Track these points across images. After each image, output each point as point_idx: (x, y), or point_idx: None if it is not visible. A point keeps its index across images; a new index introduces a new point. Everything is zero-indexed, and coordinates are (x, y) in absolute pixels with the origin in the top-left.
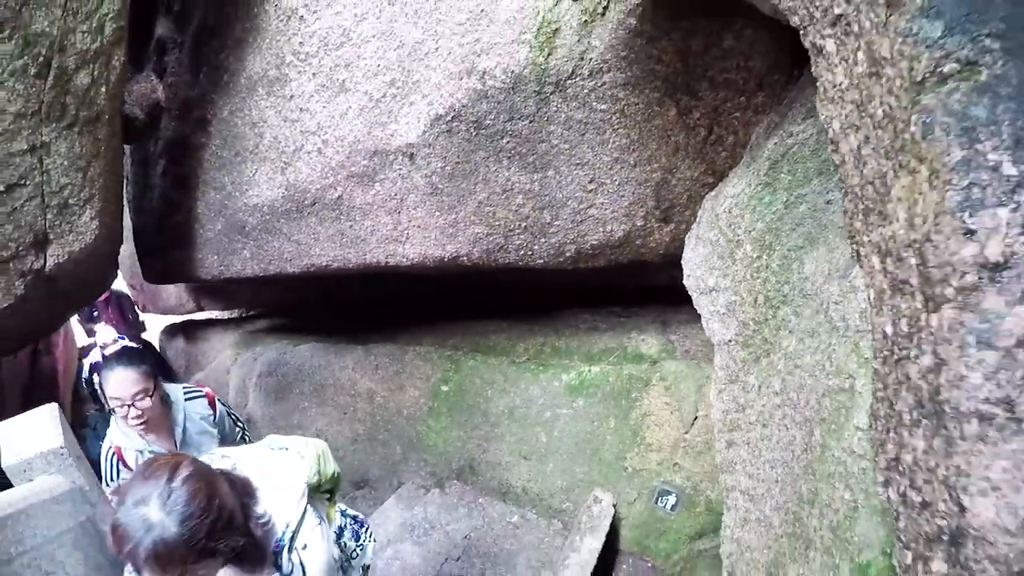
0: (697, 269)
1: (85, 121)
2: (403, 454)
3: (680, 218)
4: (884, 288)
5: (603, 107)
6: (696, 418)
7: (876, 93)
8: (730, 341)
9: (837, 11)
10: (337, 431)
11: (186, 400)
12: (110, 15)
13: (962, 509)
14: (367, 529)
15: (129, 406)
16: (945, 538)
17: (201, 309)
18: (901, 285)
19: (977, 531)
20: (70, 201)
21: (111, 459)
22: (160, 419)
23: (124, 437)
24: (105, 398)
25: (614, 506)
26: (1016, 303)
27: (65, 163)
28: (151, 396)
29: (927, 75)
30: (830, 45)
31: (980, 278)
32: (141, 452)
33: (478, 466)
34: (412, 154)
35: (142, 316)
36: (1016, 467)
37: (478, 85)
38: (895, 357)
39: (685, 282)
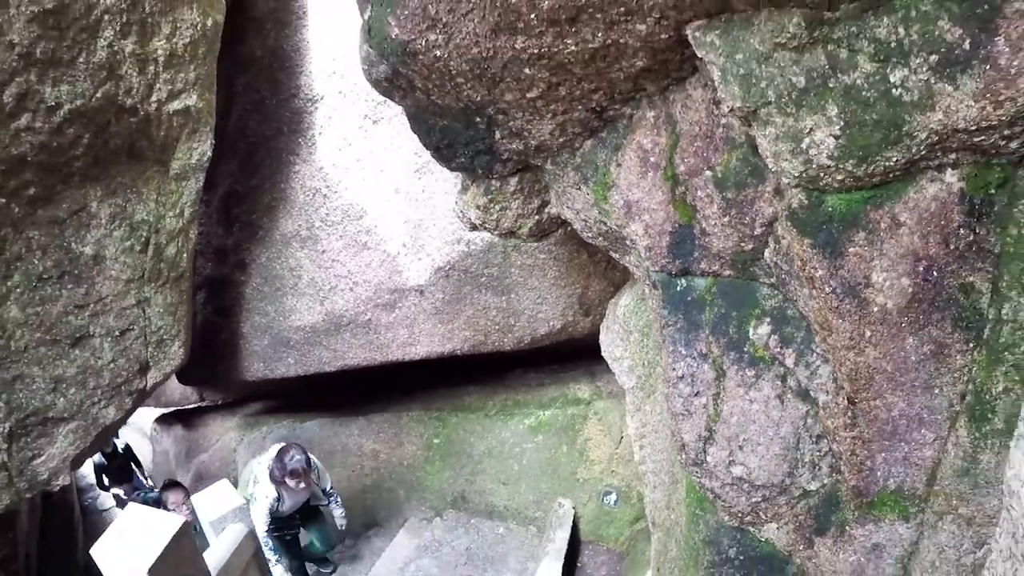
0: (608, 346)
1: (174, 279)
2: (406, 496)
3: (596, 313)
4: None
5: (543, 256)
6: (622, 437)
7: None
8: (633, 387)
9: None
10: (347, 485)
11: None
12: (188, 202)
13: (699, 455)
14: None
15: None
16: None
17: (203, 400)
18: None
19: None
20: (164, 338)
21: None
22: None
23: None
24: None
25: (573, 508)
26: None
27: (161, 310)
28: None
29: None
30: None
31: None
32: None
33: (468, 495)
34: (422, 290)
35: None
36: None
37: (465, 249)
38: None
39: (603, 353)
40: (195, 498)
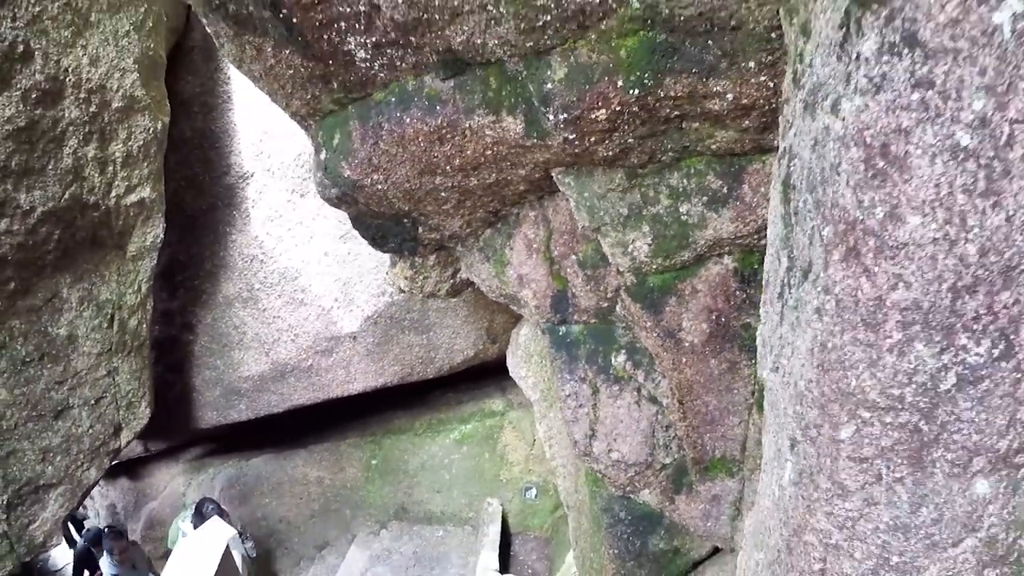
0: (515, 367)
1: (137, 347)
2: (352, 514)
3: (501, 340)
4: None
5: (454, 301)
6: (534, 440)
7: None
8: (538, 399)
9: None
10: (297, 512)
11: None
12: (144, 279)
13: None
14: None
15: None
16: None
17: (148, 451)
18: None
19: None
20: (132, 400)
21: None
22: None
23: None
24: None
25: (501, 506)
26: None
27: (128, 377)
28: None
29: None
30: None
31: None
32: None
33: (408, 506)
34: (355, 336)
35: None
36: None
37: (389, 299)
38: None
39: (511, 373)
40: (194, 535)
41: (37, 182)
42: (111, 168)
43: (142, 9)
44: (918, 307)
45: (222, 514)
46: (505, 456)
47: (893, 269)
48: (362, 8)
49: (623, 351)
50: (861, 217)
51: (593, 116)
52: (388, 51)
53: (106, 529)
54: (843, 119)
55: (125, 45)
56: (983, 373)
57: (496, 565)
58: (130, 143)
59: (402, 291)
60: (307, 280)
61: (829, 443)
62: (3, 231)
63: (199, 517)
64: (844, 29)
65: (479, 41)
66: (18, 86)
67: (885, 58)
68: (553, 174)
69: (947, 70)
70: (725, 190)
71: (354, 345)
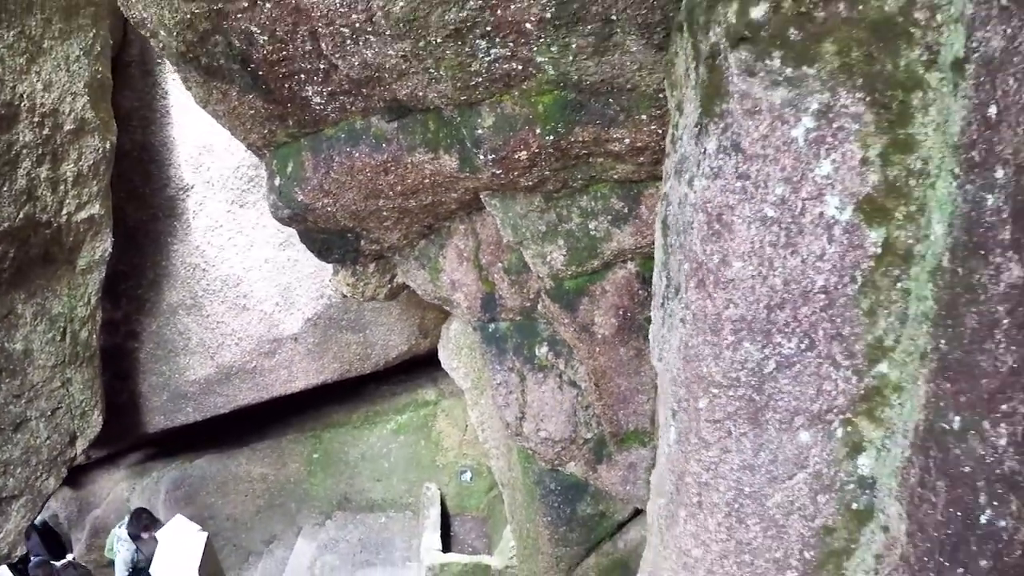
0: (447, 360)
1: (88, 358)
2: (297, 508)
3: (432, 334)
4: None
5: (389, 304)
6: (467, 426)
7: None
8: (469, 387)
9: None
10: (243, 509)
11: None
12: (93, 291)
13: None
14: None
15: None
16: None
17: (89, 459)
18: None
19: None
20: (86, 410)
21: None
22: None
23: None
24: None
25: (439, 489)
26: None
27: (81, 387)
28: None
29: None
30: None
31: None
32: None
33: (350, 496)
34: (296, 337)
35: None
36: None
37: (328, 301)
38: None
39: (443, 365)
40: (159, 534)
41: None
42: (62, 187)
43: (91, 34)
44: (744, 319)
45: (155, 523)
46: (440, 443)
47: (725, 295)
48: (321, 66)
49: (545, 343)
50: (705, 260)
51: (516, 156)
52: (341, 98)
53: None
54: (695, 192)
55: (76, 70)
56: (795, 360)
57: (439, 545)
58: (80, 163)
59: (344, 296)
60: (249, 286)
61: (694, 411)
62: None
63: (134, 526)
64: (699, 127)
65: (421, 94)
66: None
67: (721, 156)
68: (482, 196)
69: (759, 168)
70: (626, 210)
71: (295, 346)
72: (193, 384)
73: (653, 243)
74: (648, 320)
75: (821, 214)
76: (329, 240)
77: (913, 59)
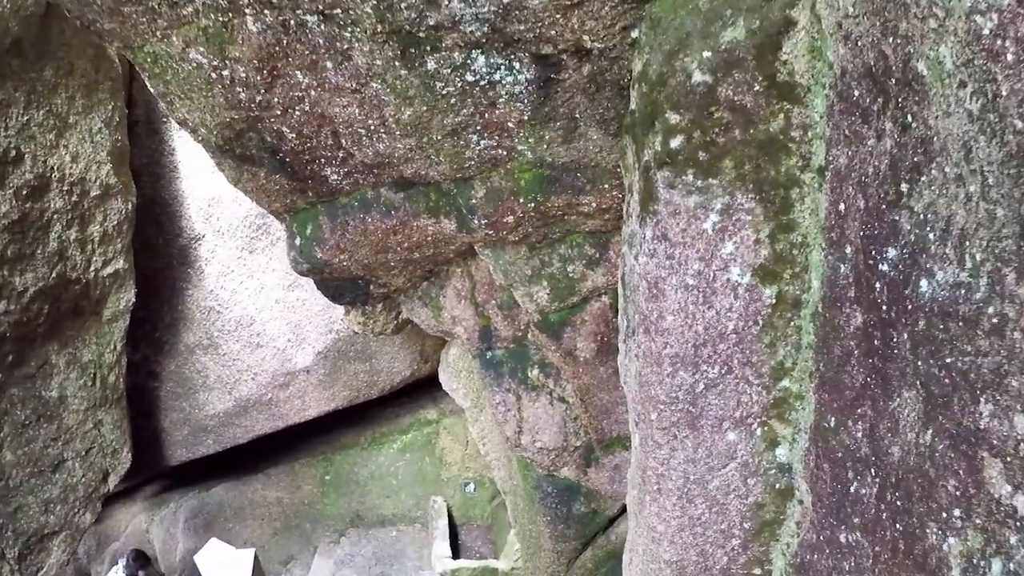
0: (447, 382)
1: (115, 400)
2: (312, 528)
3: (432, 359)
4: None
5: (392, 335)
6: (468, 441)
7: None
8: (469, 406)
9: None
10: (260, 533)
11: None
12: (119, 338)
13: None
14: None
15: None
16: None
17: (108, 493)
18: None
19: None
20: (116, 448)
21: None
22: None
23: None
24: None
25: (445, 502)
26: None
27: (111, 427)
28: None
29: None
30: None
31: None
32: None
33: (362, 513)
34: (308, 370)
35: None
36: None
37: (336, 336)
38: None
39: (443, 387)
40: (197, 558)
41: (28, 266)
42: (90, 247)
43: (110, 106)
44: (678, 355)
45: (149, 563)
46: (443, 458)
47: (663, 339)
48: (340, 154)
49: (536, 366)
50: (648, 314)
51: (504, 219)
52: (355, 176)
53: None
54: (640, 264)
55: (99, 140)
56: (718, 381)
57: (449, 552)
58: (106, 223)
59: (356, 332)
60: (262, 325)
61: (648, 422)
62: (2, 312)
63: (131, 567)
64: (640, 218)
65: (423, 172)
66: (11, 185)
67: (655, 241)
68: (476, 248)
69: (681, 251)
70: (597, 255)
71: (308, 377)
72: (212, 418)
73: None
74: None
75: (728, 279)
76: (342, 287)
77: (791, 165)
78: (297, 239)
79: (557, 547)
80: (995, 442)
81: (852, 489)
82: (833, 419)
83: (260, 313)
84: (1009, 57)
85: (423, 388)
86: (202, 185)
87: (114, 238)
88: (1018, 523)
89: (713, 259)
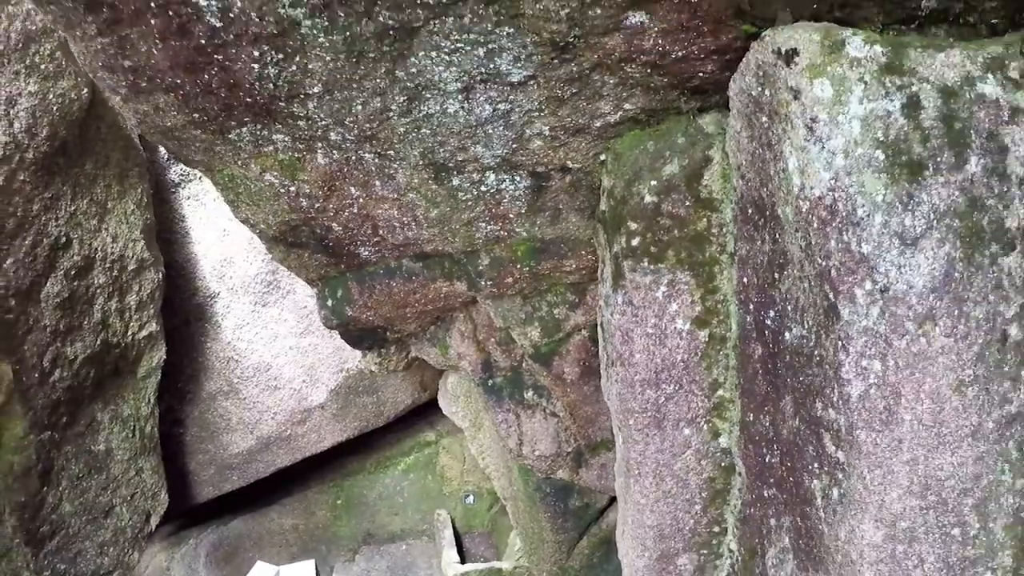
0: (447, 406)
1: (152, 448)
2: (327, 550)
3: (431, 387)
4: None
5: (396, 372)
6: (465, 458)
7: None
8: (468, 426)
9: None
10: (280, 559)
11: None
12: (152, 392)
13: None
14: None
15: None
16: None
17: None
18: None
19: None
20: (155, 491)
21: None
22: None
23: None
24: None
25: (449, 514)
26: None
27: (150, 472)
28: None
29: None
30: None
31: None
32: None
33: (373, 532)
34: (323, 406)
35: None
36: None
37: (346, 374)
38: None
39: (443, 410)
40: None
41: (77, 336)
42: (127, 314)
43: (139, 190)
44: (645, 379)
45: None
46: (444, 475)
47: (634, 369)
48: (375, 239)
49: (531, 389)
50: (622, 352)
51: (505, 280)
52: (384, 252)
53: None
54: (614, 320)
55: (133, 220)
56: (673, 394)
57: (457, 559)
58: (141, 292)
59: (373, 372)
60: (278, 370)
61: (627, 427)
62: (58, 379)
63: None
64: (612, 287)
65: (440, 248)
66: (62, 268)
67: (623, 305)
68: (479, 299)
69: (642, 312)
70: (577, 300)
71: (323, 412)
72: (237, 456)
73: (596, 320)
74: (598, 366)
75: (675, 327)
76: (363, 335)
77: (712, 251)
78: (329, 300)
79: (558, 538)
80: (825, 423)
81: (767, 460)
82: (751, 415)
83: (276, 359)
84: (815, 224)
85: (420, 414)
86: (213, 248)
87: (148, 305)
88: (842, 468)
89: (664, 315)
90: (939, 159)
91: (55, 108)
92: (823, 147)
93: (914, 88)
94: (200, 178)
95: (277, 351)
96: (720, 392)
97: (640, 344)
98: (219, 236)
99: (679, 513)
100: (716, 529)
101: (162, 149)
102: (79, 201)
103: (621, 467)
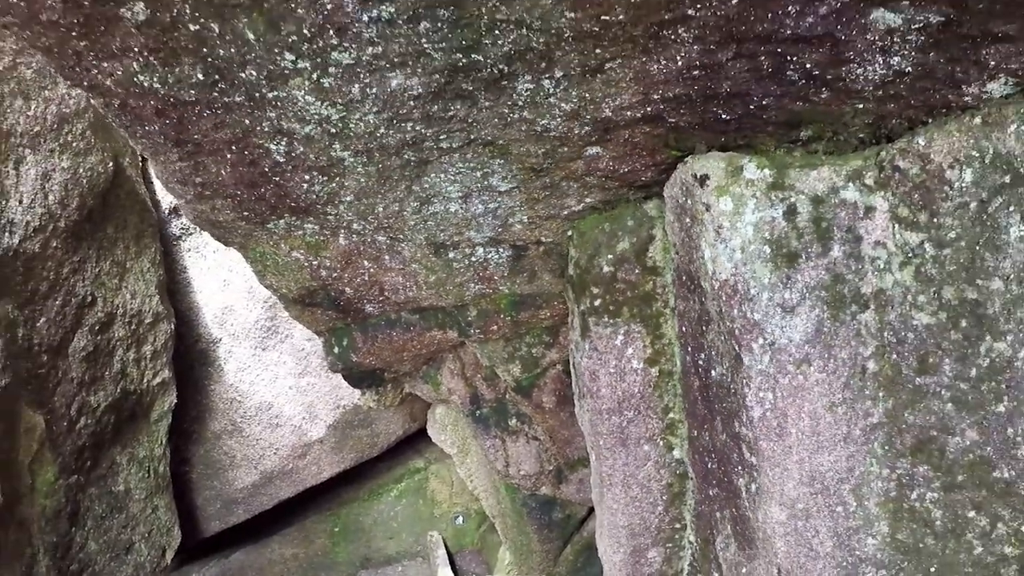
0: (436, 435)
1: (165, 486)
2: (327, 575)
3: (420, 418)
4: None
5: (391, 407)
6: (454, 482)
7: None
8: (456, 452)
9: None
10: None
11: None
12: (163, 434)
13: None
14: None
15: None
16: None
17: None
18: None
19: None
20: (169, 527)
21: None
22: None
23: None
24: None
25: (440, 534)
26: None
27: (164, 509)
28: None
29: None
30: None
31: None
32: None
33: (370, 556)
34: (322, 440)
35: None
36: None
37: (343, 410)
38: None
39: (432, 439)
40: None
41: (100, 386)
42: (143, 363)
43: (152, 248)
44: (609, 408)
45: None
46: (434, 498)
47: (601, 400)
48: (380, 298)
49: (514, 416)
50: (590, 387)
51: (491, 328)
52: (386, 307)
53: None
54: (583, 362)
55: (148, 277)
56: (634, 418)
57: (452, 574)
58: (155, 343)
59: (371, 407)
60: (279, 408)
61: (598, 447)
62: (83, 426)
63: None
64: (581, 335)
65: (435, 303)
66: (87, 324)
67: (591, 351)
68: (467, 343)
69: (605, 356)
70: (551, 340)
71: (322, 446)
72: (241, 491)
73: (568, 357)
74: (572, 395)
75: (632, 366)
76: (364, 376)
77: (658, 306)
78: (335, 348)
79: (544, 548)
80: (742, 437)
81: (709, 466)
82: (695, 432)
83: (276, 398)
84: (723, 297)
85: (409, 443)
86: (215, 297)
87: (161, 354)
88: (756, 468)
89: (623, 357)
90: (810, 249)
91: (84, 181)
92: (726, 245)
93: (792, 199)
94: (200, 232)
95: (277, 391)
96: (671, 415)
97: (605, 380)
98: (220, 286)
99: (645, 514)
100: (677, 525)
101: (164, 204)
102: (103, 263)
103: (595, 480)
